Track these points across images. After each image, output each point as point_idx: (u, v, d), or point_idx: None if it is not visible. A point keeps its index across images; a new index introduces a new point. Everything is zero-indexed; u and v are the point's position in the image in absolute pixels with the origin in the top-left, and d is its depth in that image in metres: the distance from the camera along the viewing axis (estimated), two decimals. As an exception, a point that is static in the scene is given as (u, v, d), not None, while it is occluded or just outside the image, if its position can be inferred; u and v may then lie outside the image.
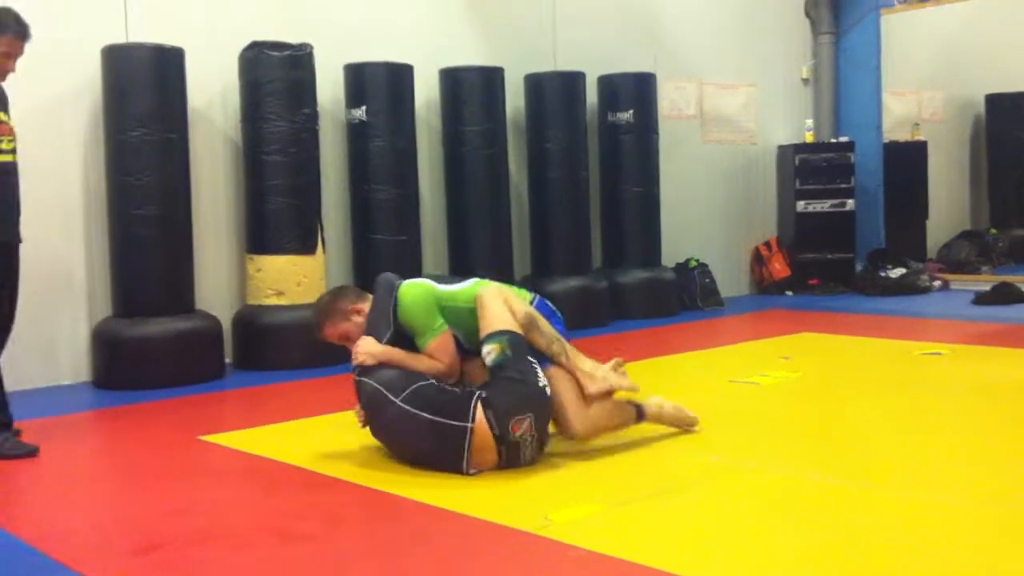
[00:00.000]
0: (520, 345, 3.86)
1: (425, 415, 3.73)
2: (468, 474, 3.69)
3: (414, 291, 4.04)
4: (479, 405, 3.69)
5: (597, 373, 4.03)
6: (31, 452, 4.29)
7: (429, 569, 2.95)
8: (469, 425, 3.67)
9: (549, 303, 4.29)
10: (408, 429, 3.78)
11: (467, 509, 3.38)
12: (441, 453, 3.72)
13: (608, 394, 4.02)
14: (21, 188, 4.57)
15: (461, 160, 7.58)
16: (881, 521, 3.15)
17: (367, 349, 3.94)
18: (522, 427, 3.71)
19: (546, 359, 3.95)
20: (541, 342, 3.95)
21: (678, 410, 4.29)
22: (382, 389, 3.84)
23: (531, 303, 4.11)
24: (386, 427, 3.91)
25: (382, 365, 3.91)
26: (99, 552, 3.15)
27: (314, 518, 3.34)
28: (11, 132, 4.44)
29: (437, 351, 4.00)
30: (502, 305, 3.93)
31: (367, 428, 4.02)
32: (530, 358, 3.86)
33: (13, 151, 4.45)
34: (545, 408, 3.82)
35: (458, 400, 3.76)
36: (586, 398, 3.95)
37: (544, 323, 4.02)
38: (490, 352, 3.82)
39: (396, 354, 3.96)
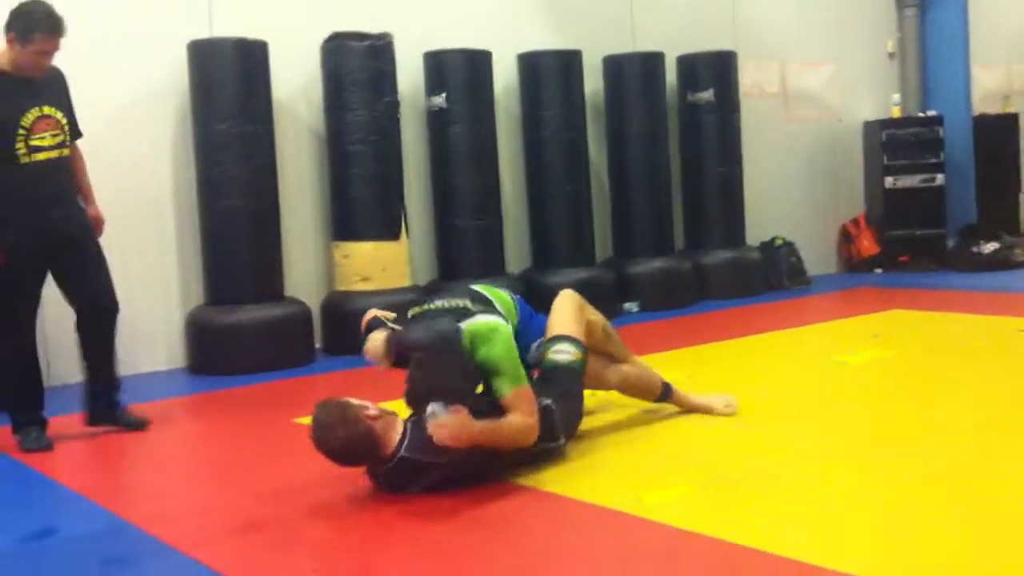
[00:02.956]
0: (587, 363, 3.86)
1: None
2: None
3: (503, 328, 3.53)
4: (560, 424, 3.65)
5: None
6: (46, 447, 4.35)
7: (523, 545, 2.98)
8: (561, 443, 3.68)
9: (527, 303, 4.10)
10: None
11: (558, 488, 3.40)
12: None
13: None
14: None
15: (540, 144, 7.58)
16: (977, 501, 3.09)
17: (467, 429, 3.25)
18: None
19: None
20: (611, 348, 4.08)
21: (706, 401, 4.31)
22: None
23: (514, 306, 3.90)
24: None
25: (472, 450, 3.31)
26: (201, 532, 3.24)
27: (408, 498, 3.37)
28: (57, 126, 4.38)
29: (531, 404, 3.46)
30: (580, 314, 3.88)
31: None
32: None
33: (59, 146, 4.39)
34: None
35: (547, 423, 3.57)
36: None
37: (612, 330, 4.14)
38: (568, 353, 3.75)
39: (491, 432, 3.35)
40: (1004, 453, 3.57)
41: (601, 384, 4.06)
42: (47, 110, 4.36)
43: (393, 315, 3.76)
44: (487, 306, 3.70)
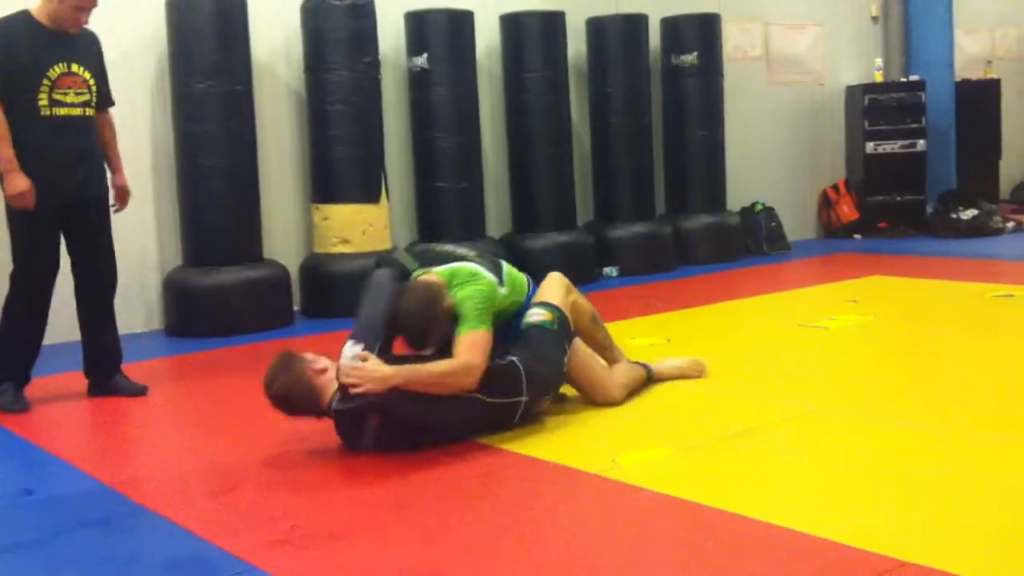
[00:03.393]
0: (566, 328, 3.85)
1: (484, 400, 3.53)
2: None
3: (485, 279, 3.67)
4: (523, 378, 3.60)
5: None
6: (23, 408, 4.34)
7: (499, 506, 3.00)
8: (523, 399, 3.61)
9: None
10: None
11: (535, 452, 3.41)
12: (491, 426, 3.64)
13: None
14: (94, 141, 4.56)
15: (523, 107, 7.53)
16: (952, 463, 3.12)
17: (374, 373, 3.29)
18: (543, 406, 3.78)
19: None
20: (599, 336, 4.11)
21: (678, 367, 4.33)
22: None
23: (527, 287, 3.96)
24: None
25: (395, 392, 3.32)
26: (179, 494, 3.25)
27: (386, 459, 3.39)
28: (84, 85, 4.37)
29: (476, 347, 3.45)
30: (564, 292, 3.93)
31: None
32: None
33: (84, 105, 4.37)
34: (559, 387, 3.92)
35: (509, 376, 3.57)
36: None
37: (600, 318, 4.19)
38: (540, 314, 3.80)
39: (411, 373, 3.36)
40: (981, 416, 3.60)
41: (610, 403, 3.97)
42: (75, 68, 4.34)
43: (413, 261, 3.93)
44: (486, 264, 3.81)
